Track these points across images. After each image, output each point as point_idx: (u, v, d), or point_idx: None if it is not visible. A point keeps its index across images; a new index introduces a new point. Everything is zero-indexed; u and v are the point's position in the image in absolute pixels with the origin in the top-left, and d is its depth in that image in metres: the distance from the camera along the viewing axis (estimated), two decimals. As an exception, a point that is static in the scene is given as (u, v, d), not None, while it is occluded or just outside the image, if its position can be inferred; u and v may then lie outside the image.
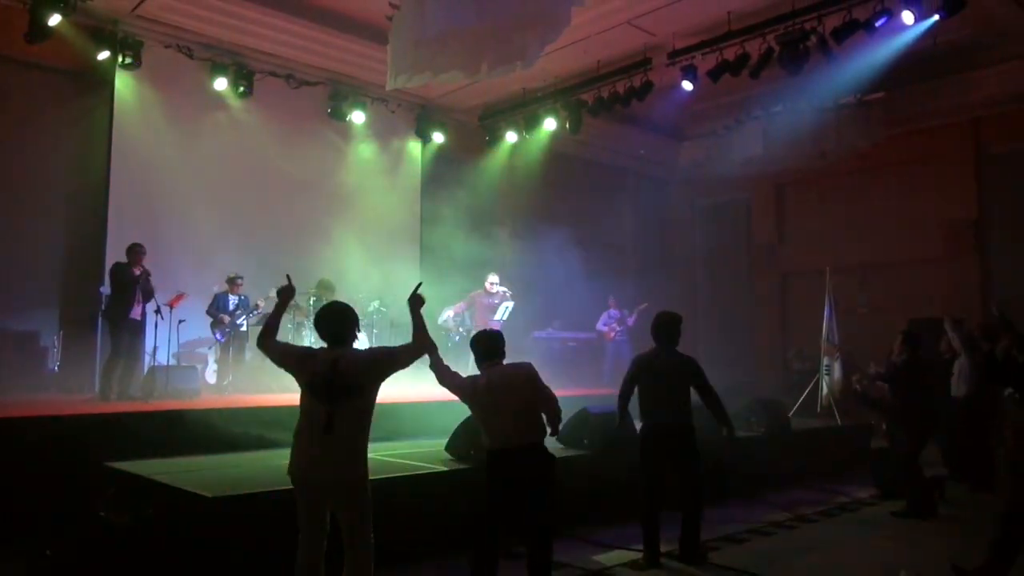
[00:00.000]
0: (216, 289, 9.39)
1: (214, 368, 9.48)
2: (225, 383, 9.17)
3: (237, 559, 4.53)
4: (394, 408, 7.94)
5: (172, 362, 8.86)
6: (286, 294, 4.12)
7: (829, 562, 5.53)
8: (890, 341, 7.56)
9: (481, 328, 9.92)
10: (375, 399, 3.90)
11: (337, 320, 3.96)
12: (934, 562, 4.92)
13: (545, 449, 4.32)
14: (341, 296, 10.10)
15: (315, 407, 3.77)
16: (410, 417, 7.86)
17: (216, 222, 10.05)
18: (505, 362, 4.50)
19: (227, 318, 9.23)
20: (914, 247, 12.71)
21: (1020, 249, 11.66)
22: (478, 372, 4.50)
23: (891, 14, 8.37)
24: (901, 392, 7.01)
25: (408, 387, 8.71)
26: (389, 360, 3.93)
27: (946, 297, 11.87)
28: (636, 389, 5.58)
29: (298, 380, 3.88)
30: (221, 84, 10.14)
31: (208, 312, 9.28)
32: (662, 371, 5.46)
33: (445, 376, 4.45)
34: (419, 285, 4.22)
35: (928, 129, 12.61)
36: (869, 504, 7.51)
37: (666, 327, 5.57)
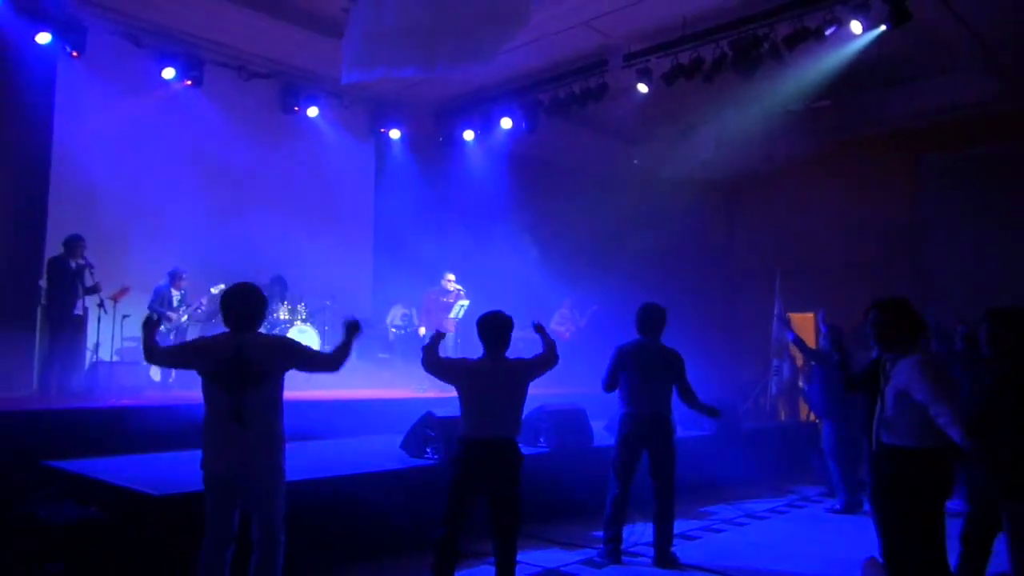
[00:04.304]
0: (158, 285, 9.14)
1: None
2: (170, 380, 8.92)
3: (183, 558, 4.40)
4: (348, 404, 7.85)
5: (116, 358, 8.58)
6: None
7: (780, 557, 5.63)
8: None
9: (434, 325, 9.94)
10: (282, 387, 3.81)
11: (240, 303, 3.81)
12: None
13: (515, 445, 4.25)
14: (292, 294, 9.96)
15: (220, 396, 3.66)
16: (364, 413, 7.76)
17: (163, 215, 9.78)
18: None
19: (172, 315, 8.98)
20: (853, 251, 13.07)
21: (955, 251, 12.12)
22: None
23: (840, 23, 8.61)
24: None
25: (360, 382, 8.63)
26: (295, 353, 3.87)
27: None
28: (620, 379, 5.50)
29: (199, 371, 3.77)
30: (169, 73, 9.86)
31: (150, 307, 9.01)
32: (647, 362, 5.42)
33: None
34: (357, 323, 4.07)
35: (870, 137, 13.01)
36: (816, 501, 7.69)
37: (654, 318, 5.53)
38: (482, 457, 4.15)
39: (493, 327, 4.34)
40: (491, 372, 4.28)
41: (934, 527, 3.63)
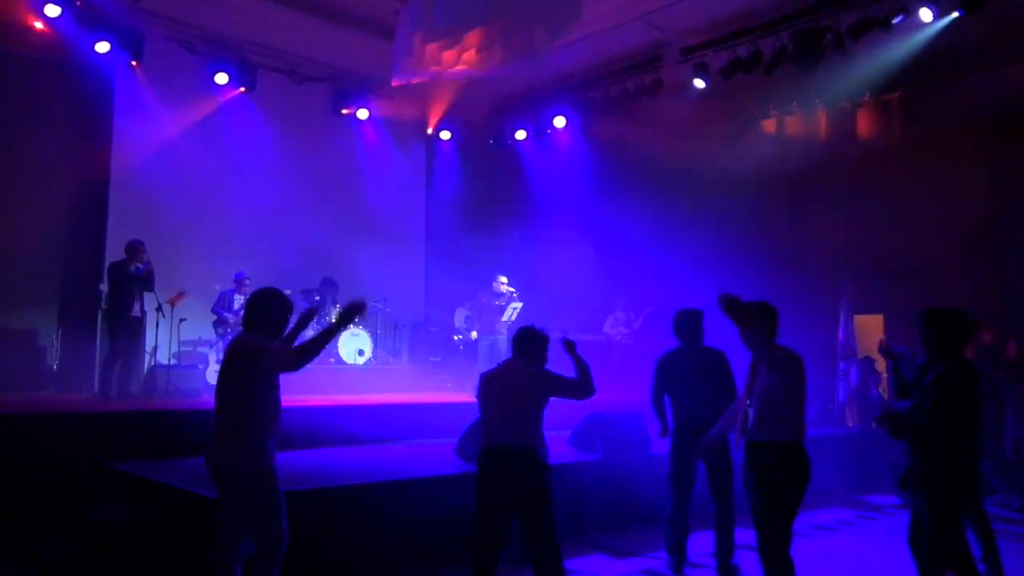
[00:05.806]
0: (219, 287, 9.23)
1: (215, 368, 9.30)
2: (226, 383, 8.99)
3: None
4: (400, 409, 7.79)
5: (173, 361, 8.70)
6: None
7: (848, 571, 5.35)
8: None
9: (486, 328, 9.87)
10: (254, 388, 3.59)
11: (248, 305, 3.84)
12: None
13: (532, 453, 3.98)
14: (344, 295, 9.96)
15: None
16: (418, 418, 7.69)
17: (218, 219, 9.92)
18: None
19: (232, 318, 9.06)
20: (926, 251, 12.50)
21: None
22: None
23: (908, 12, 8.22)
24: None
25: (414, 386, 8.55)
26: (248, 353, 3.59)
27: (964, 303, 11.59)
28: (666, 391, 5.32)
29: None
30: (222, 79, 9.98)
31: (213, 309, 9.11)
32: (689, 369, 5.23)
33: None
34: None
35: (944, 130, 12.41)
36: (889, 513, 7.32)
37: (685, 324, 5.35)
38: (496, 463, 3.97)
39: (520, 338, 4.24)
40: (504, 377, 4.17)
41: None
